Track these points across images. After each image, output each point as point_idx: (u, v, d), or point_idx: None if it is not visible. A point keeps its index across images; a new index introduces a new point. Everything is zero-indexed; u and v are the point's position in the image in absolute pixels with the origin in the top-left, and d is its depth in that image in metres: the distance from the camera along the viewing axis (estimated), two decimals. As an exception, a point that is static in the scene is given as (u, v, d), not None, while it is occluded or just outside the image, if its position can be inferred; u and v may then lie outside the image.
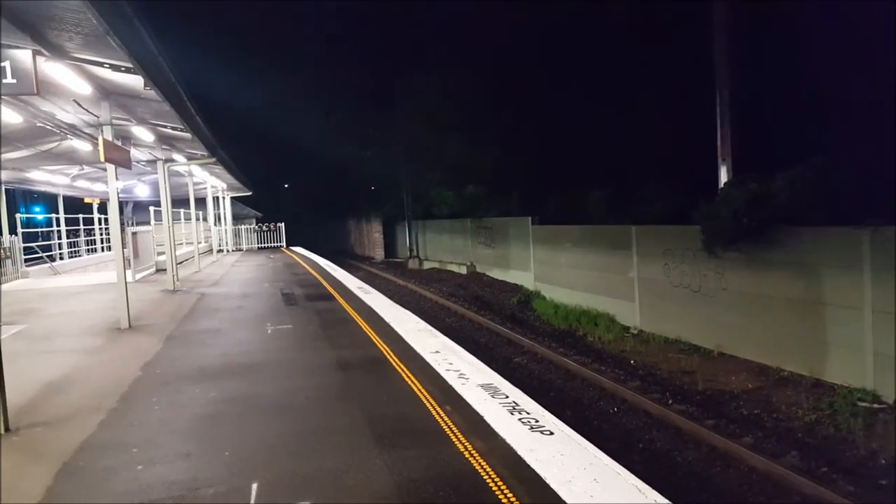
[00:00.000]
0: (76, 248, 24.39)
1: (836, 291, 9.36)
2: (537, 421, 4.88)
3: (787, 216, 10.21)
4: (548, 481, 3.84)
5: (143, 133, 12.38)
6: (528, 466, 4.07)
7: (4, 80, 5.04)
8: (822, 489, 6.39)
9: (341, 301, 11.92)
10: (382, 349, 7.64)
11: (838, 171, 9.99)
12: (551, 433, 4.63)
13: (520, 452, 4.29)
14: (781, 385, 9.73)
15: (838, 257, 9.33)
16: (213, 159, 16.40)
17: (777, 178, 10.62)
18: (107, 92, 9.28)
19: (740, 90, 13.28)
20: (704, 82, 14.10)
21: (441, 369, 6.55)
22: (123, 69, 7.59)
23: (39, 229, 21.68)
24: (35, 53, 5.19)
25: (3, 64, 5.01)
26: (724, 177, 13.04)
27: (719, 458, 7.48)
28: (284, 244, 33.72)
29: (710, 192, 12.30)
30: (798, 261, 10.01)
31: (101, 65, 7.60)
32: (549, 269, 18.70)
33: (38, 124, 10.47)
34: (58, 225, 21.92)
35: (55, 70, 7.39)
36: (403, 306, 11.50)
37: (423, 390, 5.83)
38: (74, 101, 9.39)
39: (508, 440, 4.51)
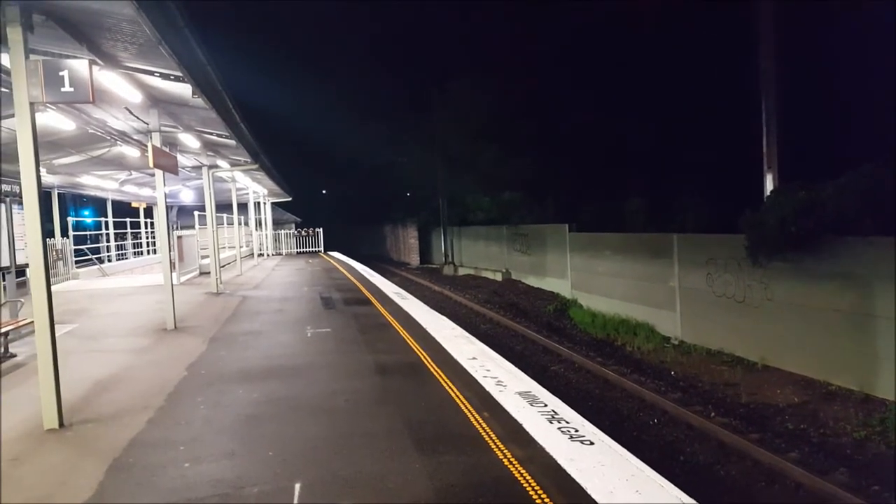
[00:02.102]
0: (123, 251, 25.17)
1: (887, 303, 9.02)
2: (577, 430, 4.83)
3: (836, 225, 9.90)
4: (589, 492, 3.79)
5: (189, 140, 12.72)
6: (569, 476, 4.03)
7: (62, 89, 5.22)
8: (874, 509, 6.16)
9: (378, 306, 12.01)
10: (420, 354, 7.67)
11: (888, 179, 9.66)
12: (591, 443, 4.58)
13: (560, 461, 4.24)
14: (829, 399, 9.42)
15: (890, 268, 8.99)
16: (256, 165, 16.75)
17: (826, 186, 10.32)
18: (156, 100, 9.58)
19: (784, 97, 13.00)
20: (747, 89, 13.85)
21: (478, 376, 6.53)
22: (173, 77, 7.83)
23: (88, 232, 22.41)
24: (91, 63, 5.37)
25: (61, 73, 5.19)
26: (769, 185, 12.74)
27: (764, 472, 7.27)
28: (322, 249, 34.15)
29: (753, 201, 12.04)
30: (847, 271, 9.69)
31: (151, 73, 7.86)
32: (586, 277, 18.50)
33: (90, 131, 10.85)
34: (106, 228, 22.67)
35: (108, 79, 7.68)
36: (439, 312, 11.52)
37: (460, 396, 5.83)
38: (126, 108, 9.71)
39: (548, 449, 4.47)
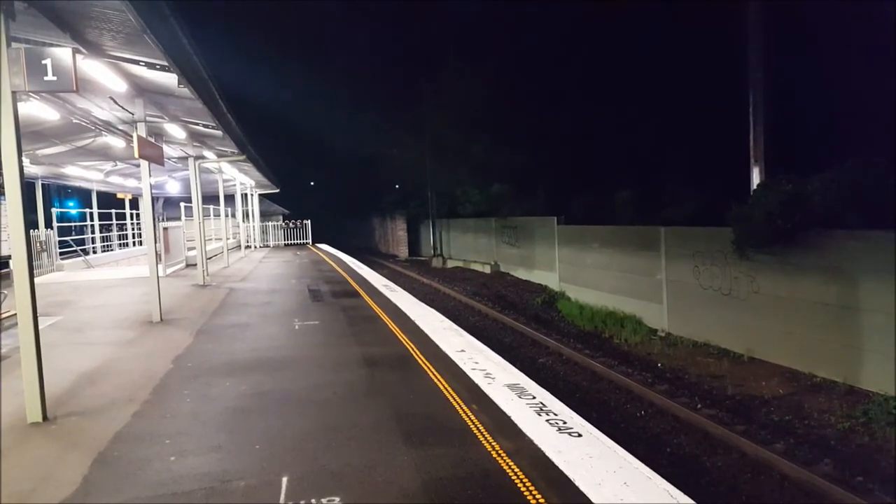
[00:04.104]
0: (109, 243, 24.89)
1: (872, 296, 9.12)
2: (565, 422, 4.85)
3: (822, 219, 9.99)
4: (577, 483, 3.81)
5: (175, 130, 12.58)
6: (557, 468, 4.04)
7: (45, 78, 5.13)
8: (857, 499, 6.24)
9: (367, 298, 11.98)
10: (408, 347, 7.66)
11: (874, 173, 9.75)
12: (579, 435, 4.59)
13: (548, 453, 4.26)
14: (814, 391, 9.52)
15: (875, 262, 9.09)
16: (243, 157, 16.61)
17: (812, 180, 10.40)
18: (141, 89, 9.46)
19: (772, 91, 13.06)
20: (735, 83, 13.91)
21: (467, 368, 6.54)
22: (158, 67, 7.74)
23: (73, 223, 22.15)
24: (74, 51, 5.28)
25: (44, 62, 5.10)
26: (756, 178, 12.81)
27: (749, 464, 7.34)
28: (311, 241, 34.00)
29: (740, 194, 12.11)
30: (833, 265, 9.78)
31: (136, 62, 7.76)
32: (574, 270, 18.56)
33: (74, 121, 10.70)
34: (91, 219, 22.40)
35: (92, 68, 7.56)
36: (428, 304, 11.51)
37: (449, 389, 5.83)
38: (110, 98, 9.58)
39: (536, 441, 4.49)
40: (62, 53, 5.17)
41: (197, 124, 12.41)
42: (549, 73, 24.56)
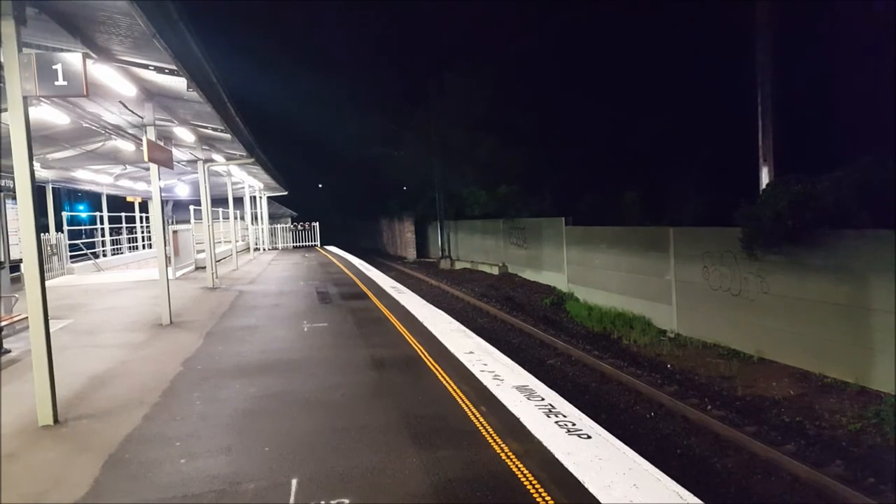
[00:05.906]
0: (118, 246, 25.06)
1: (882, 296, 9.04)
2: (574, 424, 4.84)
3: (832, 218, 9.92)
4: (586, 485, 3.80)
5: (184, 134, 12.66)
6: (566, 470, 4.03)
7: (56, 83, 5.18)
8: (869, 500, 6.18)
9: (375, 300, 12.00)
10: (417, 348, 7.66)
11: (884, 172, 9.67)
12: (589, 437, 4.58)
13: (557, 455, 4.25)
14: (824, 392, 9.45)
15: (885, 261, 9.01)
16: (252, 159, 16.69)
17: (821, 179, 10.33)
18: (150, 93, 9.53)
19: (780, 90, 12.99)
20: (743, 82, 13.84)
21: (475, 370, 6.54)
22: (167, 71, 7.80)
23: (83, 227, 22.31)
24: (85, 56, 5.32)
25: (55, 67, 5.15)
26: (765, 178, 12.75)
27: (760, 465, 7.29)
28: (318, 243, 34.08)
29: (749, 194, 12.04)
30: (843, 264, 9.71)
31: (146, 67, 7.82)
32: (582, 271, 18.51)
33: (85, 125, 10.79)
34: (101, 223, 22.57)
35: (102, 72, 7.62)
36: (436, 306, 11.51)
37: (457, 390, 5.83)
38: (120, 102, 9.66)
39: (545, 443, 4.48)
40: (72, 58, 5.21)
41: (206, 128, 12.49)
42: (552, 72, 24.53)
